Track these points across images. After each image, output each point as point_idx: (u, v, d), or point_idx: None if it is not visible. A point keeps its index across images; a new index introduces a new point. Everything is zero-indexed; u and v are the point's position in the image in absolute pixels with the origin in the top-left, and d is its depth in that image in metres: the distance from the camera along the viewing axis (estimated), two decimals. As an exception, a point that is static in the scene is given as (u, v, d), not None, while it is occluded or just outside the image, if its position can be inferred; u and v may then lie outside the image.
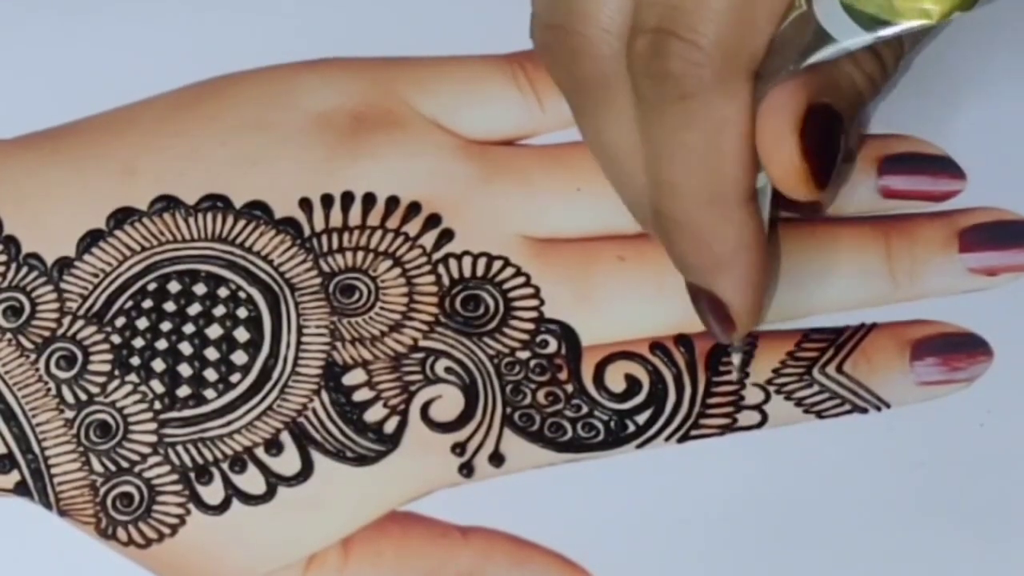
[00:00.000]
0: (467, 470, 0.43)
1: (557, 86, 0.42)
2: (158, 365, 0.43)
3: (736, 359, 0.44)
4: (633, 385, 0.44)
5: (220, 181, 0.45)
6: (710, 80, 0.38)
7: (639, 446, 0.44)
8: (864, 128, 0.46)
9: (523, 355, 0.44)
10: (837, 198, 0.45)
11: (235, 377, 0.43)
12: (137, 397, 0.43)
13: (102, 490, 0.43)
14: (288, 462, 0.43)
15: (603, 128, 0.41)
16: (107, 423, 0.43)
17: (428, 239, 0.44)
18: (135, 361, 0.43)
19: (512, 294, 0.44)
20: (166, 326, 0.44)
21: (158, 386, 0.43)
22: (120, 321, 0.44)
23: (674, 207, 0.40)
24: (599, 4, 0.40)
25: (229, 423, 0.43)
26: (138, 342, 0.44)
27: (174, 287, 0.44)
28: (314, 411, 0.43)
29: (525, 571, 0.43)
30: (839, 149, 0.39)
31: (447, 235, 0.45)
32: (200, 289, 0.44)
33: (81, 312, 0.44)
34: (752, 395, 0.44)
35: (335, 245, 0.44)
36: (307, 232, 0.44)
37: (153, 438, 0.43)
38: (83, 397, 0.43)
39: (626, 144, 0.41)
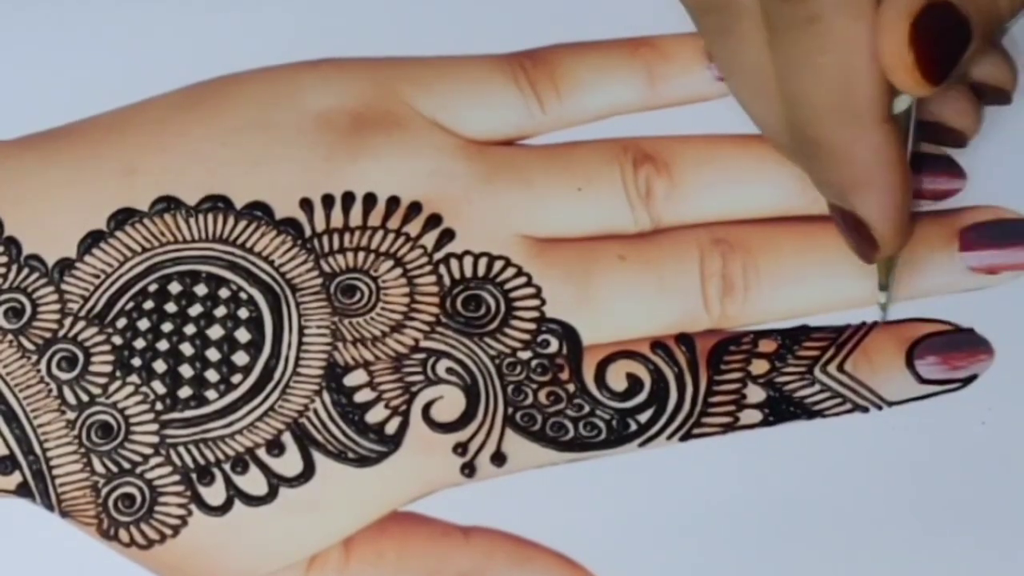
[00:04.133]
0: (469, 470, 0.43)
1: (686, 6, 0.42)
2: (159, 366, 0.43)
3: (882, 297, 0.44)
4: (635, 384, 0.44)
5: (221, 181, 0.45)
6: (837, 1, 0.39)
7: (641, 445, 0.44)
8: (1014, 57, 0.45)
9: (524, 355, 0.44)
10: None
11: (236, 378, 0.43)
12: (139, 398, 0.43)
13: (104, 491, 0.43)
14: (290, 463, 0.43)
15: (735, 50, 0.41)
16: (109, 424, 0.43)
17: (429, 239, 0.44)
18: (136, 362, 0.43)
19: (513, 294, 0.44)
20: (167, 327, 0.44)
21: (159, 387, 0.43)
22: (121, 322, 0.44)
23: (811, 126, 0.40)
24: None
25: (231, 424, 0.43)
26: (139, 343, 0.43)
27: (175, 288, 0.44)
28: (315, 412, 0.43)
29: (527, 571, 0.43)
30: (960, 49, 0.39)
31: (448, 235, 0.45)
32: (201, 290, 0.44)
33: (82, 313, 0.44)
34: (753, 394, 0.44)
35: (336, 245, 0.44)
36: (308, 232, 0.44)
37: (155, 439, 0.43)
38: (84, 398, 0.43)
39: (758, 65, 0.41)
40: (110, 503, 0.43)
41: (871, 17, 0.39)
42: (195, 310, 0.44)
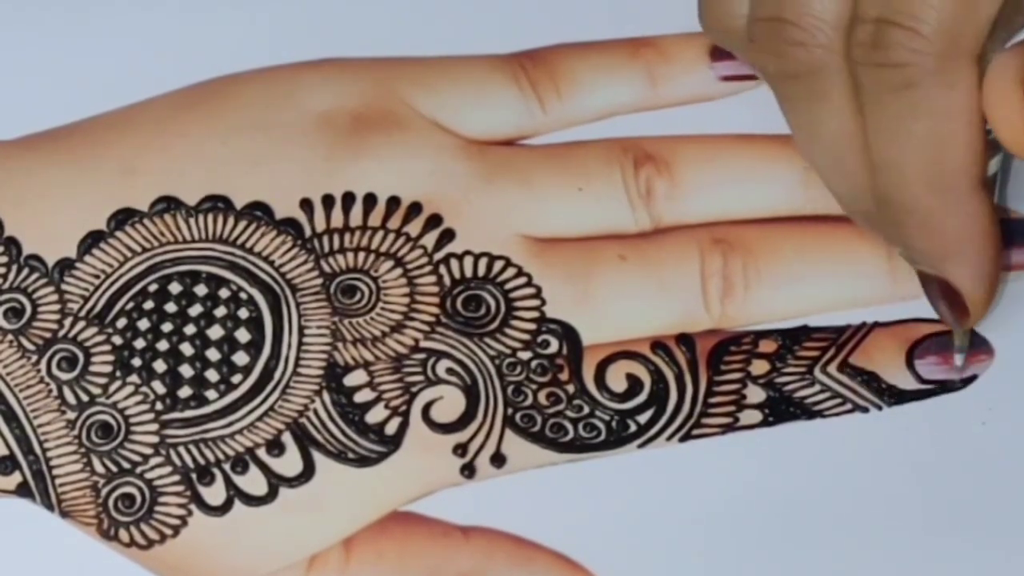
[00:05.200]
0: (469, 471, 0.43)
1: (766, 79, 0.42)
2: (159, 366, 0.43)
3: (959, 360, 0.44)
4: (634, 385, 0.44)
5: (221, 182, 0.45)
6: (934, 67, 0.38)
7: (641, 446, 0.44)
8: None
9: (524, 355, 0.44)
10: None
11: (236, 378, 0.43)
12: (139, 398, 0.43)
13: (104, 491, 0.43)
14: (290, 463, 0.43)
15: (820, 118, 0.41)
16: (109, 424, 0.43)
17: (429, 239, 0.44)
18: (136, 362, 0.43)
19: (513, 294, 0.44)
20: (167, 327, 0.44)
21: (159, 387, 0.43)
22: (121, 322, 0.44)
23: (903, 194, 0.40)
24: None
25: (231, 424, 0.43)
26: (139, 343, 0.43)
27: (175, 288, 0.44)
28: (315, 412, 0.43)
29: (527, 571, 0.43)
30: None
31: (448, 235, 0.45)
32: (201, 290, 0.44)
33: (82, 313, 0.44)
34: (753, 394, 0.44)
35: (336, 246, 0.44)
36: (308, 233, 0.44)
37: (155, 439, 0.43)
38: (84, 398, 0.43)
39: (845, 133, 0.41)
40: (110, 503, 0.43)
41: (968, 83, 0.39)
42: (195, 310, 0.44)
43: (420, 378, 0.43)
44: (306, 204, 0.44)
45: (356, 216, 0.44)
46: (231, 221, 0.44)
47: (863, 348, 0.44)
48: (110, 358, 0.43)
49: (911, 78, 0.39)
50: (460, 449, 0.43)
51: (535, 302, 0.44)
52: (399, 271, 0.44)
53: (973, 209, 0.40)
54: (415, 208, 0.45)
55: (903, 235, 0.41)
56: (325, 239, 0.44)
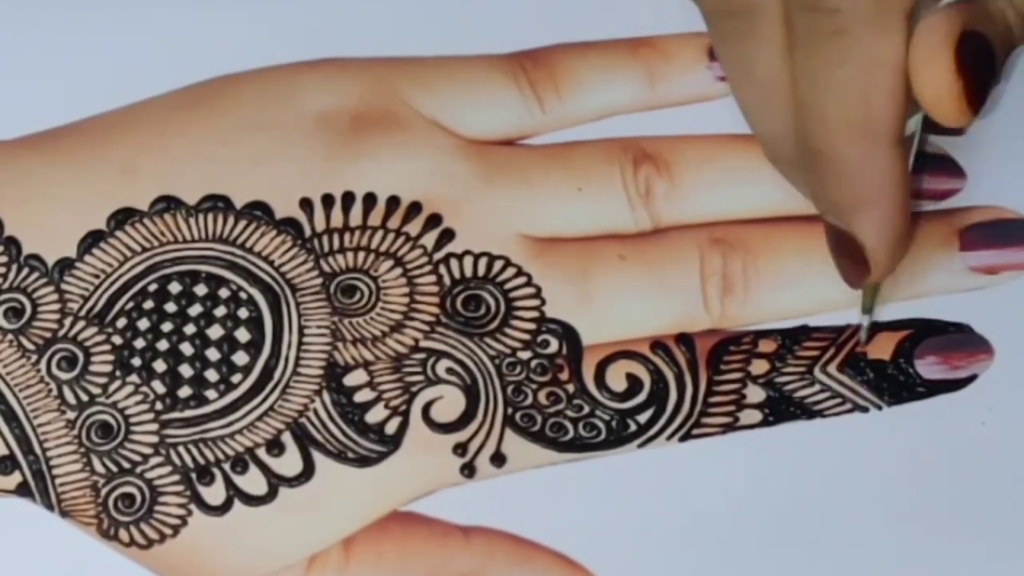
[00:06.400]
0: (469, 470, 0.43)
1: (703, 15, 0.42)
2: (159, 366, 0.43)
3: (865, 320, 0.44)
4: (634, 384, 0.44)
5: (221, 181, 0.45)
6: (865, 16, 0.38)
7: (641, 445, 0.44)
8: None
9: (524, 355, 0.44)
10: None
11: (236, 378, 0.43)
12: (138, 398, 0.43)
13: (104, 491, 0.43)
14: (289, 463, 0.43)
15: (750, 56, 0.41)
16: (108, 424, 0.43)
17: (429, 239, 0.44)
18: (136, 362, 0.43)
19: (513, 294, 0.44)
20: (167, 327, 0.44)
21: (159, 387, 0.43)
22: (121, 322, 0.44)
23: (822, 140, 0.40)
24: None
25: (230, 424, 0.43)
26: (139, 343, 0.43)
27: (175, 288, 0.44)
28: (315, 412, 0.43)
29: (527, 571, 0.43)
30: (993, 78, 0.39)
31: (448, 235, 0.45)
32: (201, 290, 0.44)
33: (82, 313, 0.44)
34: (753, 394, 0.44)
35: (336, 245, 0.44)
36: (308, 232, 0.44)
37: (155, 439, 0.43)
38: (84, 398, 0.43)
39: (773, 73, 0.41)
40: (110, 503, 0.43)
41: (898, 36, 0.39)
42: (195, 310, 0.44)
43: (420, 378, 0.43)
44: (306, 204, 0.44)
45: (356, 216, 0.44)
46: (231, 221, 0.44)
47: (864, 348, 0.44)
48: (110, 358, 0.43)
49: (842, 25, 0.39)
50: (460, 449, 0.43)
51: (535, 302, 0.44)
52: (399, 271, 0.44)
53: (889, 163, 0.40)
54: (415, 208, 0.45)
55: (818, 183, 0.41)
56: (325, 239, 0.44)
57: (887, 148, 0.40)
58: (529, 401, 0.43)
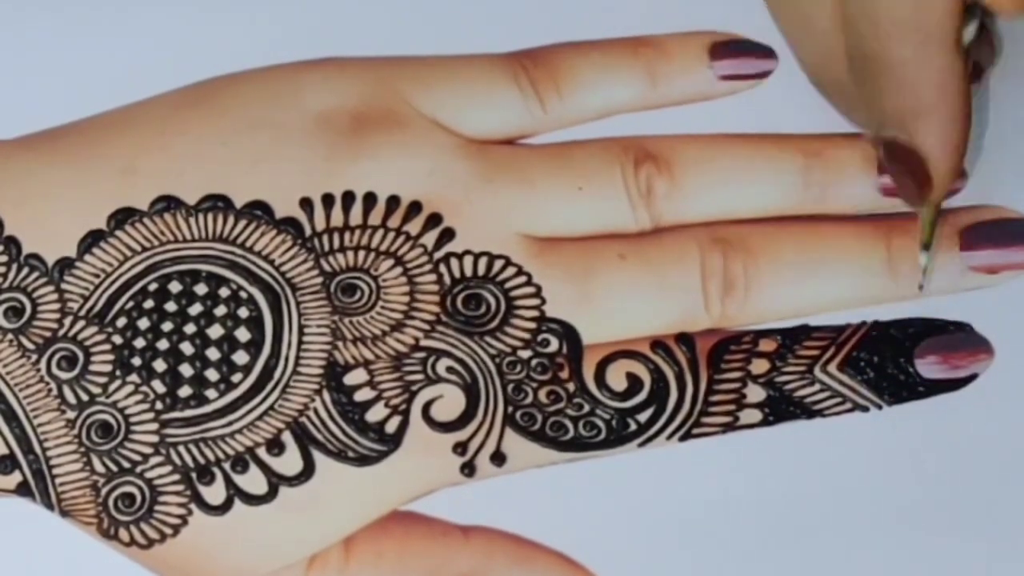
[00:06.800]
0: (469, 469, 0.43)
1: None
2: (159, 365, 0.43)
3: (923, 259, 0.43)
4: (635, 383, 0.44)
5: (221, 181, 0.45)
6: None
7: (641, 444, 0.44)
8: None
9: (524, 354, 0.44)
10: (836, 197, 0.45)
11: (236, 377, 0.43)
12: (139, 397, 0.43)
13: (104, 490, 0.43)
14: (290, 462, 0.43)
15: None
16: (108, 423, 0.43)
17: (429, 238, 0.44)
18: (136, 361, 0.43)
19: (513, 293, 0.44)
20: (167, 326, 0.44)
21: (159, 386, 0.43)
22: (121, 321, 0.44)
23: (878, 44, 0.39)
24: None
25: (231, 423, 0.43)
26: (139, 342, 0.43)
27: (175, 287, 0.44)
28: (316, 411, 0.43)
29: (527, 570, 0.43)
30: None
31: (448, 234, 0.45)
32: (201, 289, 0.44)
33: (82, 312, 0.44)
34: (753, 393, 0.44)
35: (336, 244, 0.44)
36: (308, 232, 0.44)
37: (155, 438, 0.43)
38: (84, 397, 0.43)
39: None
40: (110, 502, 0.43)
41: None
42: (195, 309, 0.44)
43: (420, 377, 0.43)
44: (306, 203, 0.44)
45: (356, 215, 0.44)
46: (231, 220, 0.44)
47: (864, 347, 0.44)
48: (110, 357, 0.43)
49: None
50: (460, 448, 0.43)
51: (535, 301, 0.44)
52: (399, 270, 0.44)
53: (948, 65, 0.39)
54: (415, 207, 0.45)
55: (874, 94, 0.40)
56: (325, 238, 0.44)
57: (941, 49, 0.39)
58: (529, 400, 0.43)
